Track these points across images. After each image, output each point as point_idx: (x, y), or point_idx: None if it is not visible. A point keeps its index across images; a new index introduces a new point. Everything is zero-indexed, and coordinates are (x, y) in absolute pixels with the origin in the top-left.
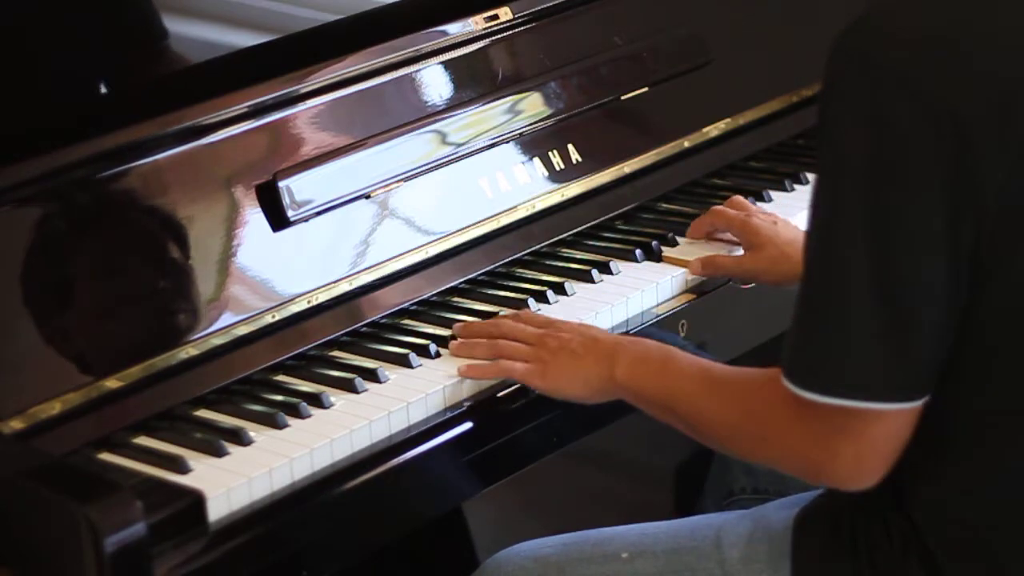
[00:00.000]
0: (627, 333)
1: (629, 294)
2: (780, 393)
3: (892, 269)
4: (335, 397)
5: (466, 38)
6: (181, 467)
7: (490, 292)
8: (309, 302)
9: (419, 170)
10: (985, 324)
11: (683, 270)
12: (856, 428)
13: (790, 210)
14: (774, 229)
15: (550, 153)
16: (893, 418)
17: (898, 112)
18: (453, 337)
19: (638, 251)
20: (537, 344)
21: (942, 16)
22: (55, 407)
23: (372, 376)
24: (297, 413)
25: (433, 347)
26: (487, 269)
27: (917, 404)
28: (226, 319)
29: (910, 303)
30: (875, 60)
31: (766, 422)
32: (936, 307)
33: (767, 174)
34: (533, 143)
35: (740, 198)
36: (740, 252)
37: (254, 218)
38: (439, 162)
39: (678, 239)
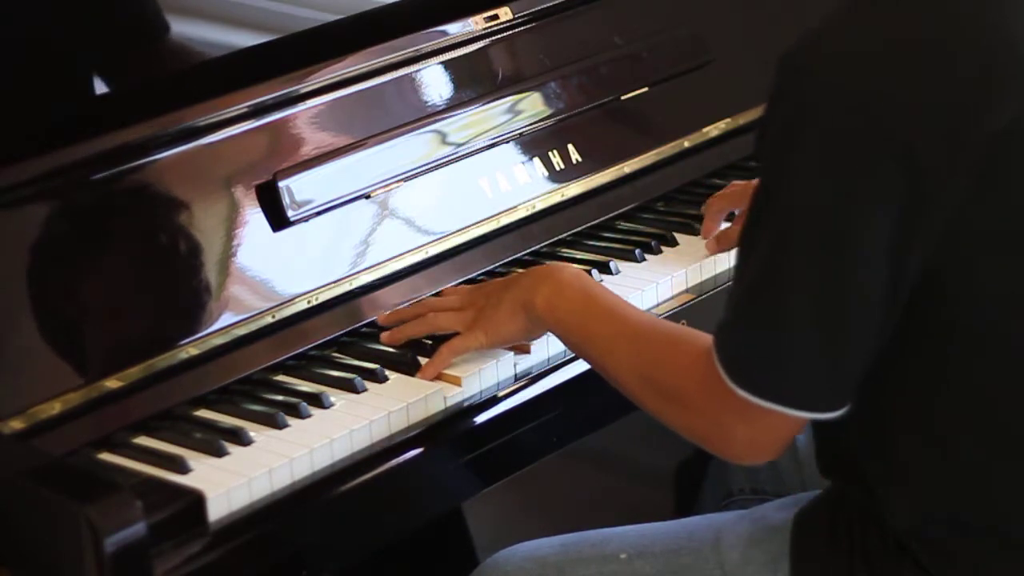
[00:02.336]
0: None
1: (629, 294)
2: (695, 362)
3: (835, 290)
4: (335, 397)
5: (466, 38)
6: (181, 467)
7: None
8: (309, 302)
9: (419, 170)
10: (949, 339)
11: (683, 270)
12: (755, 415)
13: None
14: None
15: (550, 153)
16: (798, 419)
17: (845, 134)
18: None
19: (638, 251)
20: (465, 307)
21: (891, 37)
22: (55, 407)
23: (372, 376)
24: (297, 413)
25: (433, 347)
26: (487, 269)
27: (830, 416)
28: (226, 319)
29: (849, 322)
30: (822, 81)
31: (674, 384)
32: (872, 323)
33: None
34: (533, 143)
35: (739, 182)
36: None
37: (254, 218)
38: (439, 162)
39: (678, 239)
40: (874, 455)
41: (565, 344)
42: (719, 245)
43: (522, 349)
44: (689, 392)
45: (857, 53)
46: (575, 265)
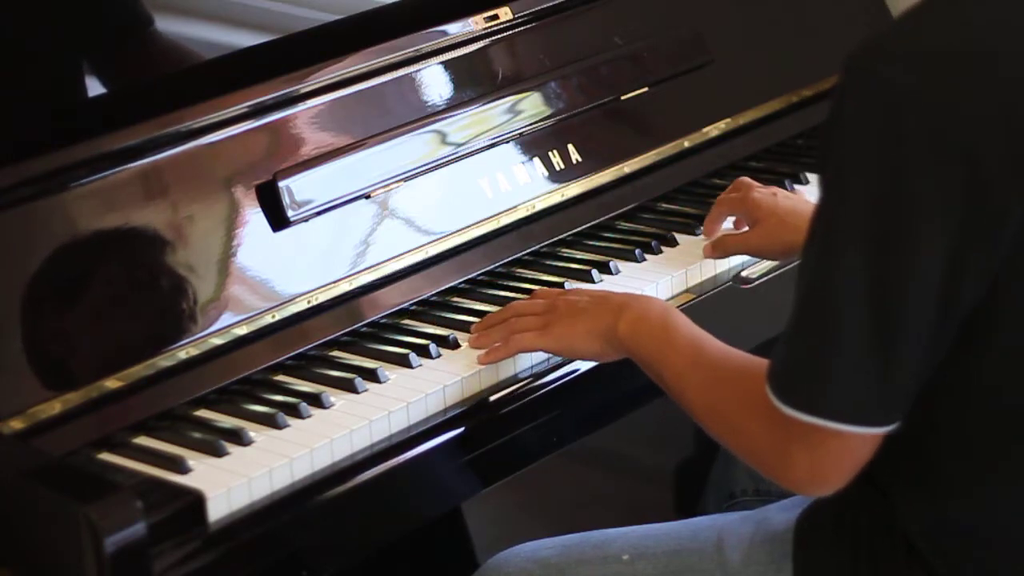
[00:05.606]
0: None
1: None
2: (756, 388)
3: (888, 300)
4: (335, 397)
5: (466, 38)
6: (181, 467)
7: (490, 292)
8: (309, 302)
9: (419, 170)
10: (974, 348)
11: (683, 270)
12: (815, 440)
13: None
14: (774, 200)
15: (550, 153)
16: (857, 438)
17: (905, 138)
18: (454, 338)
19: (638, 251)
20: (547, 311)
21: (959, 42)
22: (55, 407)
23: (372, 376)
24: (297, 413)
25: (433, 347)
26: (487, 269)
27: (884, 429)
28: (226, 319)
29: (901, 334)
30: (885, 82)
31: (737, 411)
32: (925, 340)
33: (767, 174)
34: (533, 143)
35: (743, 178)
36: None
37: (254, 218)
38: (439, 162)
39: (678, 239)
40: (887, 457)
41: (644, 370)
42: (715, 251)
43: None
44: (748, 419)
45: (922, 54)
46: (662, 300)
